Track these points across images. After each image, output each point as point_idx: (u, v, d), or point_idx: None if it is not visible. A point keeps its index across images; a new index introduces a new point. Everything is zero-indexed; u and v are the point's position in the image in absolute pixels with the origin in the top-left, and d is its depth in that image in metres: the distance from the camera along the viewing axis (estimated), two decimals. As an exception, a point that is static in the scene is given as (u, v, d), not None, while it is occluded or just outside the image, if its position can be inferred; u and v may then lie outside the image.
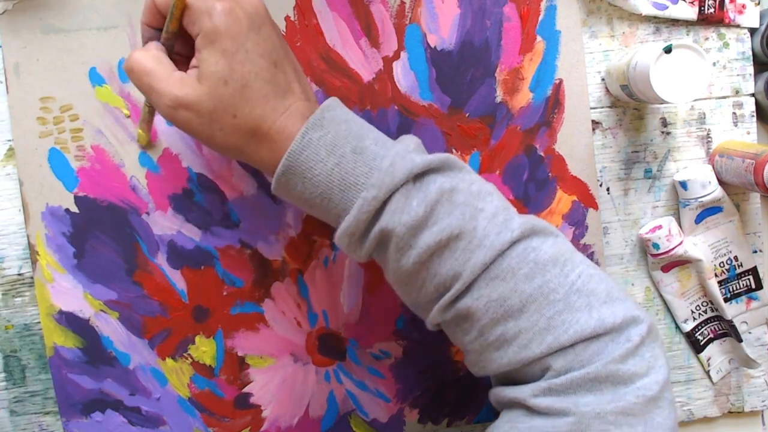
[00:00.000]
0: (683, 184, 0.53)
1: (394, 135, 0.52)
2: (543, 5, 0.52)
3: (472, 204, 0.39)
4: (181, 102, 0.39)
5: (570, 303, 0.38)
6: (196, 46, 0.39)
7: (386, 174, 0.38)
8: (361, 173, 0.39)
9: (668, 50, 0.46)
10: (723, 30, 0.54)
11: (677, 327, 0.56)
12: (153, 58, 0.40)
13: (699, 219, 0.54)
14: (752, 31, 0.54)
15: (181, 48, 0.42)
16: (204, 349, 0.53)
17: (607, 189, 0.55)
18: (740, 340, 0.55)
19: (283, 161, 0.39)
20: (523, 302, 0.38)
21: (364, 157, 0.39)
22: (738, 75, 0.54)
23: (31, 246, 0.51)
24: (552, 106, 0.53)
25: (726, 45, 0.54)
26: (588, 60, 0.53)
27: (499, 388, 0.41)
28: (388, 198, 0.38)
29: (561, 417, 0.37)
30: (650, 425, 0.36)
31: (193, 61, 0.40)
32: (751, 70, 0.54)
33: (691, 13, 0.53)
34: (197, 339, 0.53)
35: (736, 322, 0.55)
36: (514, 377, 0.41)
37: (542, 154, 0.53)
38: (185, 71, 0.40)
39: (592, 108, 0.54)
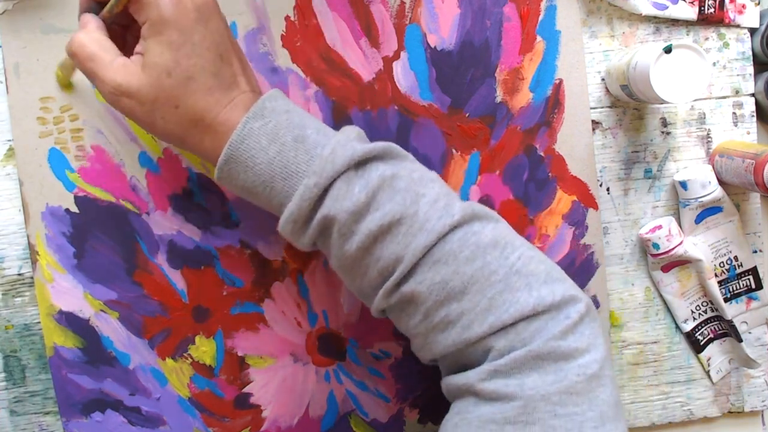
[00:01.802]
0: (683, 184, 0.53)
1: (395, 135, 0.52)
2: (543, 5, 0.52)
3: (413, 190, 0.40)
4: (124, 90, 0.39)
5: (510, 283, 0.39)
6: (141, 34, 0.39)
7: (327, 161, 0.39)
8: (302, 161, 0.39)
9: (668, 50, 0.46)
10: (723, 30, 0.54)
11: (677, 327, 0.56)
12: (95, 42, 0.39)
13: (699, 219, 0.54)
14: (752, 31, 0.54)
15: (119, 24, 0.42)
16: (204, 349, 0.53)
17: (607, 189, 0.55)
18: (740, 340, 0.55)
19: (225, 150, 0.39)
20: (465, 284, 0.39)
21: (306, 146, 0.40)
22: (738, 75, 0.54)
23: (31, 246, 0.51)
24: (552, 106, 0.53)
25: (726, 45, 0.54)
26: (588, 60, 0.53)
27: (449, 377, 0.42)
28: (330, 185, 0.39)
29: (508, 402, 0.37)
30: (594, 403, 0.37)
31: (138, 47, 0.39)
32: (751, 70, 0.54)
33: (691, 13, 0.53)
34: (197, 339, 0.53)
35: (736, 322, 0.55)
36: (460, 362, 0.41)
37: (542, 154, 0.53)
38: (123, 50, 0.40)
39: (592, 108, 0.54)
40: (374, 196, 0.39)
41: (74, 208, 0.51)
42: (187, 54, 0.38)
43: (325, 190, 0.39)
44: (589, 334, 0.39)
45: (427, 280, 0.39)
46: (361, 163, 0.40)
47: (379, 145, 0.41)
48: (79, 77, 0.50)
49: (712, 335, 0.56)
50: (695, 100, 0.54)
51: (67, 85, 0.49)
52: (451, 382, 0.41)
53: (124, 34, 0.43)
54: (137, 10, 0.39)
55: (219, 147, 0.40)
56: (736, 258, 0.55)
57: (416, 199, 0.40)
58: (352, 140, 0.40)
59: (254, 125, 0.39)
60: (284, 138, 0.40)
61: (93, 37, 0.40)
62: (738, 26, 0.54)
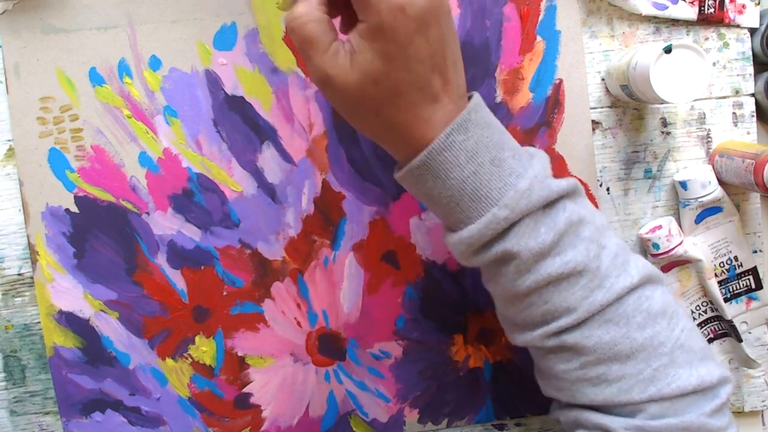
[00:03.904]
0: (683, 184, 0.53)
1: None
2: (543, 5, 0.52)
3: (596, 240, 0.40)
4: (330, 82, 0.37)
5: (674, 358, 0.40)
6: (357, 28, 0.36)
7: (522, 197, 0.38)
8: (495, 187, 0.38)
9: (668, 50, 0.46)
10: (723, 30, 0.54)
11: (677, 327, 0.56)
12: (316, 22, 0.37)
13: (699, 219, 0.54)
14: (752, 31, 0.54)
15: None
16: (204, 349, 0.53)
17: (607, 189, 0.55)
18: (740, 340, 0.55)
19: (422, 156, 0.38)
20: (633, 350, 0.40)
21: (501, 171, 0.39)
22: (738, 75, 0.54)
23: (31, 246, 0.51)
24: (552, 106, 0.53)
25: (726, 45, 0.54)
26: (588, 60, 0.53)
27: (580, 411, 0.42)
28: (518, 220, 0.39)
29: None
30: None
31: (352, 36, 0.37)
32: (751, 70, 0.54)
33: (691, 13, 0.53)
34: (197, 339, 0.53)
35: (736, 322, 0.55)
36: (594, 407, 0.42)
37: (542, 154, 0.53)
38: (335, 13, 0.39)
39: (592, 108, 0.54)
40: (559, 240, 0.39)
41: (74, 208, 0.51)
42: (397, 67, 0.36)
43: (512, 224, 0.39)
44: (729, 415, 0.41)
45: (594, 337, 0.40)
46: (551, 203, 0.40)
47: (569, 183, 0.40)
48: (78, 78, 0.50)
49: (712, 335, 0.56)
50: (695, 100, 0.54)
51: (287, 7, 0.46)
52: (585, 417, 0.42)
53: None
54: (358, 6, 0.36)
55: (411, 153, 0.39)
56: (736, 258, 0.55)
57: (599, 252, 0.40)
58: (547, 176, 0.40)
59: (456, 138, 0.38)
60: (482, 158, 0.38)
61: (314, 15, 0.37)
62: (738, 26, 0.53)
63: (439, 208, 0.40)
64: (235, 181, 0.52)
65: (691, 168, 0.54)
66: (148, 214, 0.52)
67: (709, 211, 0.54)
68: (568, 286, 0.39)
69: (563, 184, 0.40)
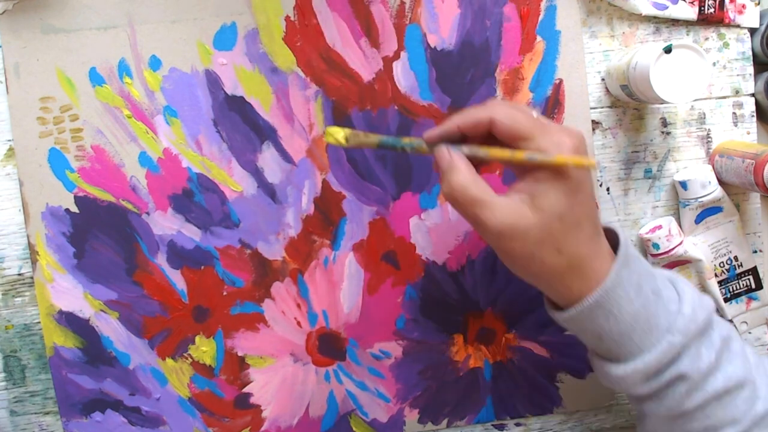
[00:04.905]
0: (683, 184, 0.53)
1: (394, 135, 0.52)
2: (543, 5, 0.52)
3: (744, 354, 0.42)
4: (511, 231, 0.38)
5: None
6: (536, 176, 0.39)
7: (690, 321, 0.40)
8: (662, 315, 0.41)
9: (668, 50, 0.46)
10: (723, 30, 0.54)
11: (677, 327, 0.56)
12: (474, 184, 0.39)
13: (699, 219, 0.54)
14: (752, 31, 0.54)
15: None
16: (204, 349, 0.53)
17: (607, 189, 0.54)
18: (740, 340, 0.55)
19: (597, 294, 0.40)
20: None
21: (662, 300, 0.41)
22: (738, 75, 0.54)
23: (31, 246, 0.51)
24: (552, 106, 0.53)
25: (726, 45, 0.54)
26: (588, 60, 0.53)
27: None
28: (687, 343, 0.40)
29: None
30: None
31: (523, 186, 0.39)
32: (751, 70, 0.54)
33: (691, 13, 0.53)
34: (197, 339, 0.53)
35: (736, 322, 0.55)
36: None
37: (542, 154, 0.53)
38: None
39: (592, 108, 0.54)
40: (718, 357, 0.41)
41: (74, 208, 0.51)
42: (580, 201, 0.39)
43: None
44: None
45: None
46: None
47: (711, 300, 0.43)
48: (78, 78, 0.50)
49: (712, 335, 0.56)
50: (695, 100, 0.54)
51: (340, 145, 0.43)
52: None
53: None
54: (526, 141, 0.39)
55: (584, 291, 0.40)
56: (736, 258, 0.55)
57: (749, 367, 0.42)
58: (701, 297, 0.42)
59: (623, 273, 0.40)
60: (645, 290, 0.41)
61: (471, 179, 0.39)
62: (738, 26, 0.53)
63: (608, 343, 0.42)
64: (235, 181, 0.52)
65: (691, 168, 0.54)
66: (148, 214, 0.52)
67: (709, 211, 0.54)
68: (730, 400, 0.41)
69: (710, 301, 0.42)
